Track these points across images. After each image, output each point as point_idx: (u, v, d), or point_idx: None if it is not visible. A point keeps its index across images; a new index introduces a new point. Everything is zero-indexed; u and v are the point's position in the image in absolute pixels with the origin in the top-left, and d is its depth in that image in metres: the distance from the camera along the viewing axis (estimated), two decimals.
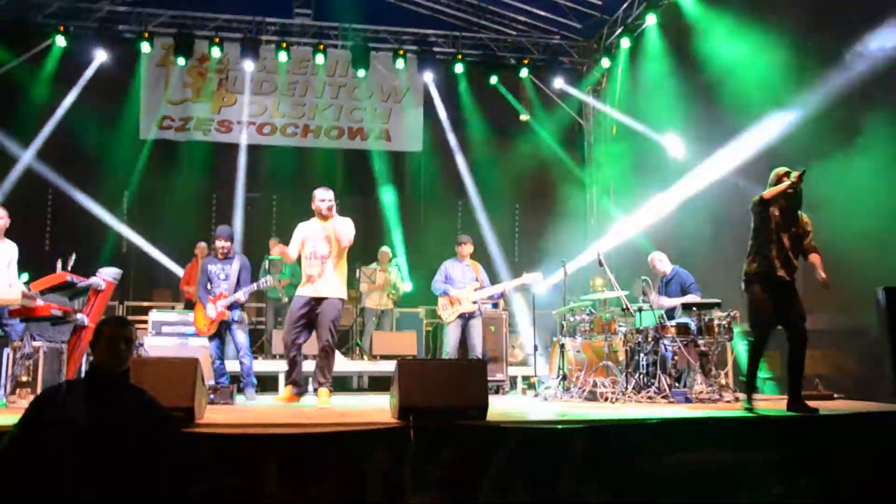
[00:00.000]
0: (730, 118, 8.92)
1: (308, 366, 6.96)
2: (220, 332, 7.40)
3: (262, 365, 9.85)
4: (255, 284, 7.49)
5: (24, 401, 5.86)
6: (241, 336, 7.37)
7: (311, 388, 6.98)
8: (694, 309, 7.08)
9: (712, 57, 9.29)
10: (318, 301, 6.38)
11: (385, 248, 11.28)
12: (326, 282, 6.41)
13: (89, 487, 2.94)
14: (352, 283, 11.38)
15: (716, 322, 6.93)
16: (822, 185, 7.43)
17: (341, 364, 10.23)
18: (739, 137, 8.76)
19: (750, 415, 5.19)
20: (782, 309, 5.66)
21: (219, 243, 7.45)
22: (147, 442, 3.11)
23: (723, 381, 6.93)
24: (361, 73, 12.30)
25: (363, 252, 11.09)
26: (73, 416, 3.03)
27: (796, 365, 5.56)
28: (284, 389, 6.70)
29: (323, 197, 6.53)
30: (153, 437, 3.15)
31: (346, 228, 6.40)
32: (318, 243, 6.46)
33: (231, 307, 7.32)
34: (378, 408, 5.90)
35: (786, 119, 8.00)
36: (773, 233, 5.72)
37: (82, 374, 6.62)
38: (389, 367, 8.88)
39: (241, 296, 7.31)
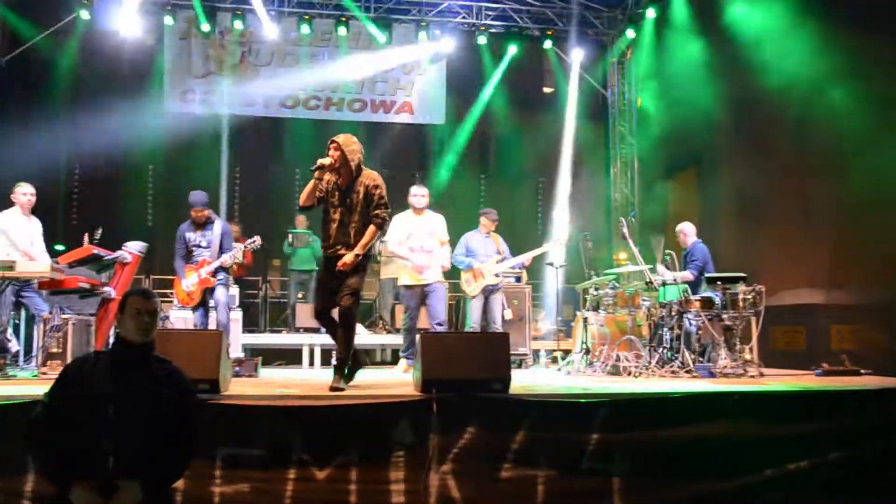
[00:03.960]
0: (760, 90, 8.76)
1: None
2: (205, 301, 7.12)
3: (287, 338, 9.95)
4: (242, 246, 7.35)
5: (54, 372, 5.96)
6: (220, 292, 7.05)
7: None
8: (719, 283, 7.00)
9: (742, 26, 9.11)
10: (427, 286, 7.34)
11: None
12: (434, 270, 7.38)
13: (116, 455, 2.99)
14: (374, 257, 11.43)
15: (741, 296, 6.84)
16: (851, 154, 7.32)
17: (364, 337, 10.31)
18: (768, 110, 8.62)
19: (775, 389, 5.15)
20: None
21: (195, 213, 7.13)
22: (171, 411, 3.16)
23: (747, 356, 6.87)
24: (383, 44, 12.23)
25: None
26: (99, 386, 3.09)
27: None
28: (403, 363, 7.49)
29: (416, 193, 7.59)
30: (177, 407, 3.20)
31: (444, 228, 7.58)
32: (424, 238, 7.42)
33: (215, 273, 7.05)
34: (401, 380, 5.94)
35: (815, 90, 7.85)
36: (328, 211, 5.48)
37: (110, 346, 6.73)
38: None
39: (228, 258, 7.09)
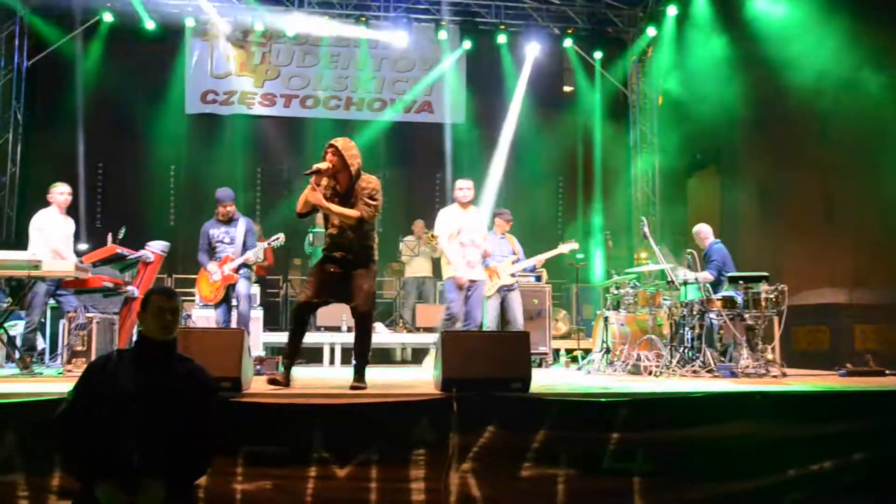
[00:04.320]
0: (784, 86, 8.67)
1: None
2: (228, 298, 7.25)
3: (307, 337, 9.92)
4: (265, 243, 7.46)
5: (79, 369, 6.03)
6: (241, 284, 7.18)
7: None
8: (741, 282, 6.94)
9: (765, 21, 9.03)
10: (475, 283, 7.25)
11: (420, 221, 11.28)
12: (482, 266, 7.36)
13: (139, 452, 3.03)
14: (394, 256, 11.48)
15: (763, 296, 6.77)
16: (877, 152, 7.23)
17: (384, 336, 10.35)
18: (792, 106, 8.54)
19: (798, 390, 5.10)
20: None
21: (222, 209, 7.25)
22: (193, 408, 3.18)
23: (769, 356, 6.81)
24: (403, 44, 12.28)
25: (407, 225, 11.20)
26: (122, 384, 3.12)
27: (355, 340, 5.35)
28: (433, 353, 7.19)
29: (462, 186, 7.40)
30: (199, 404, 3.22)
31: (486, 223, 7.44)
32: (474, 232, 7.29)
33: (238, 269, 7.19)
34: (421, 379, 5.95)
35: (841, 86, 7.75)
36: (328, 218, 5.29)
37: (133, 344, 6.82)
38: (432, 339, 8.93)
39: (251, 255, 7.20)
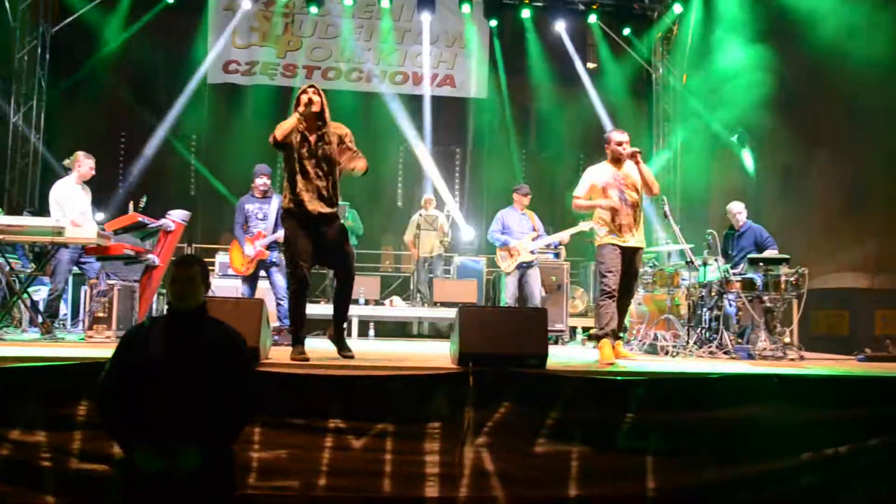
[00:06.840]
0: (814, 66, 8.51)
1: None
2: (257, 273, 7.39)
3: (324, 309, 10.03)
4: None
5: (100, 336, 6.14)
6: (280, 279, 7.32)
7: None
8: (761, 264, 6.89)
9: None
10: (634, 251, 5.97)
11: (429, 196, 11.30)
12: (640, 231, 6.06)
13: (173, 416, 3.11)
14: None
15: (783, 278, 6.72)
16: None
17: (402, 310, 10.39)
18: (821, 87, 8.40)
19: (816, 373, 5.07)
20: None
21: (259, 181, 7.38)
22: (226, 368, 3.25)
23: (787, 339, 6.77)
24: (426, 17, 12.19)
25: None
26: (154, 351, 3.21)
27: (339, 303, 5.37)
28: (606, 343, 5.73)
29: (621, 140, 6.05)
30: (232, 363, 3.29)
31: (653, 174, 6.07)
32: (627, 191, 5.97)
33: (269, 247, 7.32)
34: (438, 353, 5.97)
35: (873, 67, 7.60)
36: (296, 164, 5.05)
37: (153, 313, 6.95)
38: (449, 313, 8.95)
39: (281, 235, 7.13)
